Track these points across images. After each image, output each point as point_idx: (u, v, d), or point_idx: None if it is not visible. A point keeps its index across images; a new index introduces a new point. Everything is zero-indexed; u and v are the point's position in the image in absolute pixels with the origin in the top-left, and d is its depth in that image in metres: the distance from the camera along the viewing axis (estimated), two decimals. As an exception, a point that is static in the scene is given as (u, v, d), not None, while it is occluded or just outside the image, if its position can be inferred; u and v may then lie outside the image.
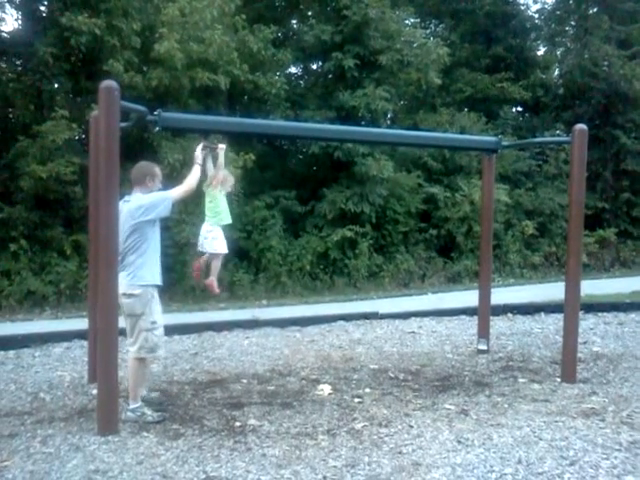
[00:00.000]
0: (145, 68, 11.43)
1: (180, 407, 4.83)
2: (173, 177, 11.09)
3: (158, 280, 4.60)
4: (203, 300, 11.30)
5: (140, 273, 4.43)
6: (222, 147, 5.41)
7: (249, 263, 12.57)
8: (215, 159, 5.41)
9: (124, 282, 4.37)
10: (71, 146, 10.80)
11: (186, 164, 11.13)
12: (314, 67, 16.10)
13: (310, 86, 15.39)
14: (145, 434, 4.21)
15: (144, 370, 4.71)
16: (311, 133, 6.41)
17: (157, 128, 4.90)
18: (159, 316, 4.56)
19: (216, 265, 5.46)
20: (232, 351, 6.88)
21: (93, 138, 5.23)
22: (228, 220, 5.45)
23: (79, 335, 7.01)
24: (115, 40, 10.58)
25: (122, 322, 4.44)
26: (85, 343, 6.05)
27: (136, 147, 11.18)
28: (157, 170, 4.76)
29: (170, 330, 7.58)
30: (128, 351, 4.64)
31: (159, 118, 4.78)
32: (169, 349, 6.93)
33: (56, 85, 11.28)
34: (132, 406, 4.51)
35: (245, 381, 5.63)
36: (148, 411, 4.50)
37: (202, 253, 5.48)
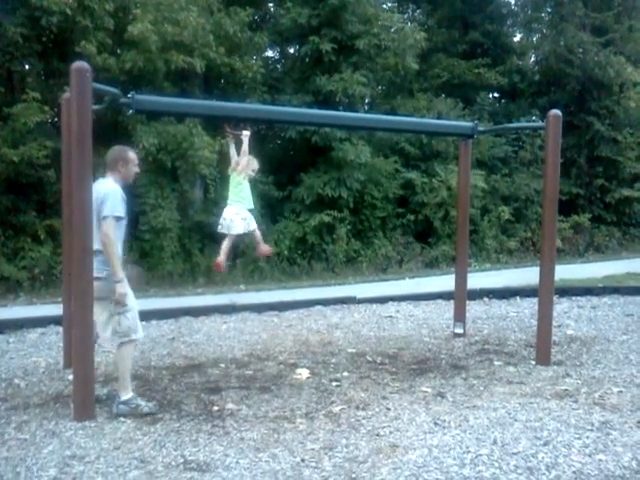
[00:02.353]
0: (119, 50, 11.24)
1: (158, 392, 4.80)
2: (148, 161, 11.04)
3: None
4: (180, 285, 11.26)
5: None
6: (247, 133, 5.49)
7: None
8: (240, 145, 5.49)
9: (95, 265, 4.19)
10: (43, 129, 10.61)
11: (162, 148, 11.05)
12: (291, 51, 15.99)
13: (287, 70, 15.29)
14: (122, 419, 4.18)
15: (130, 358, 4.45)
16: (288, 117, 6.35)
17: (131, 111, 4.82)
18: (131, 299, 4.34)
19: (258, 234, 5.75)
20: (210, 336, 6.85)
21: (65, 121, 5.13)
22: (251, 205, 5.62)
23: (54, 321, 6.91)
24: (87, 21, 10.37)
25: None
26: (60, 329, 5.98)
27: (110, 131, 11.02)
28: (131, 155, 4.54)
29: (147, 315, 7.54)
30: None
31: (133, 101, 4.69)
32: (147, 334, 6.87)
33: (27, 66, 11.06)
34: (124, 398, 4.28)
35: (223, 366, 5.62)
36: (142, 402, 4.31)
37: (224, 235, 5.64)
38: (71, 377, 4.60)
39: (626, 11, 17.97)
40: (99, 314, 4.29)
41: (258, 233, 5.82)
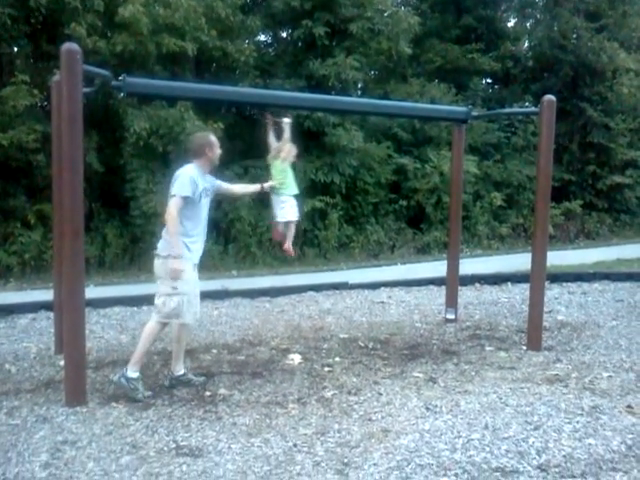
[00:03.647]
0: (109, 33, 11.09)
1: (150, 377, 4.79)
2: (139, 146, 10.94)
3: (188, 251, 4.38)
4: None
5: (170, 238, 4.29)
6: (287, 121, 5.53)
7: (218, 233, 12.46)
8: (281, 132, 5.53)
9: (160, 243, 4.38)
10: (33, 113, 10.48)
11: (153, 133, 10.95)
12: (284, 35, 15.82)
13: (280, 54, 15.13)
14: (114, 404, 4.18)
15: (155, 338, 4.51)
16: (281, 101, 6.29)
17: (122, 94, 4.77)
18: (186, 284, 4.33)
19: (292, 231, 5.69)
20: (202, 322, 6.82)
21: (55, 104, 5.06)
22: (295, 190, 5.63)
23: (45, 306, 6.89)
24: (77, 2, 10.20)
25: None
26: (51, 314, 5.95)
27: (101, 114, 10.93)
28: (214, 138, 4.67)
29: (139, 301, 7.56)
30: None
31: (124, 83, 4.64)
32: (138, 320, 6.87)
33: (15, 48, 10.91)
34: (129, 374, 4.31)
35: (215, 351, 5.62)
36: (141, 387, 4.34)
37: (277, 222, 5.67)
38: (62, 363, 4.59)
39: (620, -4, 17.91)
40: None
41: (293, 229, 5.78)
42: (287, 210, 5.56)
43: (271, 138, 5.57)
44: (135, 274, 10.68)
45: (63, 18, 10.40)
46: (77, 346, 4.15)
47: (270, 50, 15.94)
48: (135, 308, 7.43)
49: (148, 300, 7.48)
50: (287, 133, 5.52)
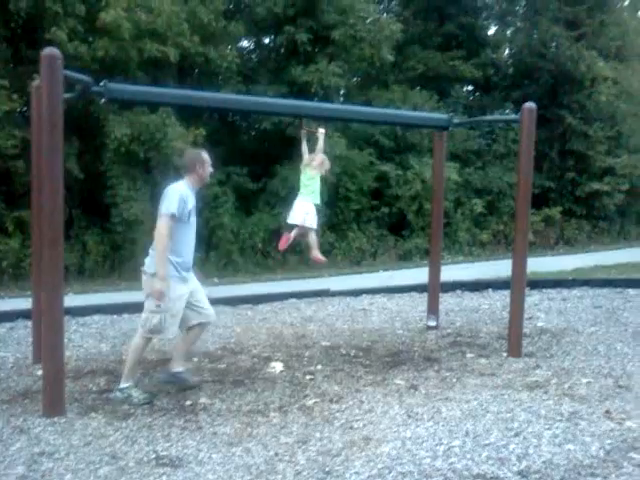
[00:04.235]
0: (90, 38, 11.01)
1: (129, 386, 4.74)
2: (120, 152, 10.86)
3: (174, 270, 4.37)
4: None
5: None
6: (322, 131, 5.85)
7: (199, 241, 12.35)
8: (315, 142, 5.82)
9: (148, 260, 4.40)
10: (12, 118, 10.35)
11: (134, 139, 10.88)
12: (266, 41, 15.84)
13: (262, 60, 15.15)
14: (93, 415, 4.12)
15: (142, 352, 4.52)
16: (263, 107, 6.28)
17: (103, 100, 4.73)
18: (170, 302, 4.31)
19: (314, 239, 5.88)
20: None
21: (35, 110, 5.02)
22: (318, 200, 5.86)
23: (23, 315, 6.79)
24: (58, 7, 10.12)
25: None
26: (29, 323, 5.87)
27: (81, 120, 10.83)
28: (205, 155, 4.66)
29: (119, 309, 7.50)
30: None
31: (105, 89, 4.60)
32: (118, 328, 6.81)
33: (-6, 53, 10.77)
34: (122, 385, 4.41)
35: (196, 359, 5.58)
36: (135, 393, 4.39)
37: (291, 226, 5.83)
38: (40, 372, 4.53)
39: (598, 6, 18.16)
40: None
41: (314, 237, 5.93)
42: (311, 217, 5.79)
43: (304, 147, 5.83)
44: (115, 282, 10.58)
45: (43, 22, 10.30)
46: (55, 355, 4.10)
47: (253, 56, 15.95)
48: (115, 316, 7.36)
49: (128, 308, 7.47)
50: (321, 143, 5.80)
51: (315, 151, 5.85)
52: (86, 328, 6.81)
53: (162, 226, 4.25)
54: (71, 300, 6.47)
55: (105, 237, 11.46)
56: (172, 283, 4.32)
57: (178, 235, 4.37)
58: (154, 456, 3.51)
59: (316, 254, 5.92)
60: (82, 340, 6.29)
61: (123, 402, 4.34)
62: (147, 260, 4.41)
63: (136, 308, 7.50)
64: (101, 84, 4.62)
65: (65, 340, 4.31)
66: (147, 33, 10.99)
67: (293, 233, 5.88)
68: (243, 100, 6.47)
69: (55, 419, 4.00)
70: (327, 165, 5.86)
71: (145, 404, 4.33)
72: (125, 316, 7.32)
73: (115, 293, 9.19)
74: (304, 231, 5.83)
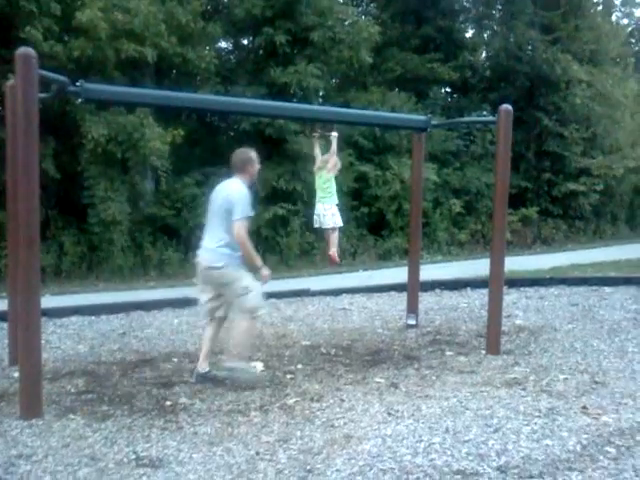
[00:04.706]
0: (66, 37, 10.90)
1: (108, 388, 4.71)
2: (97, 153, 10.76)
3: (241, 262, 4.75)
4: (131, 279, 11.06)
5: (225, 250, 4.62)
6: (335, 134, 6.02)
7: (179, 241, 12.35)
8: (329, 145, 5.99)
9: (211, 256, 4.64)
10: (-14, 118, 10.20)
11: (112, 139, 10.79)
12: (245, 42, 15.82)
13: (241, 61, 15.13)
14: (72, 416, 4.08)
15: (254, 332, 4.98)
16: (242, 108, 6.27)
17: (79, 100, 4.68)
18: (250, 281, 4.68)
19: (336, 236, 6.16)
20: (162, 330, 6.76)
21: (10, 109, 4.95)
22: (336, 200, 6.11)
23: (-1, 316, 6.69)
24: (32, 6, 10.00)
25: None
26: (5, 325, 5.78)
27: (57, 120, 10.72)
28: (255, 154, 4.90)
29: (97, 310, 7.43)
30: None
31: (81, 89, 4.55)
32: (97, 329, 6.75)
33: (-33, 52, 10.59)
34: (230, 365, 4.73)
35: (176, 360, 5.55)
36: (252, 368, 4.88)
37: (318, 230, 6.20)
38: (17, 374, 4.46)
39: (572, 11, 18.45)
40: (208, 294, 4.79)
41: (336, 236, 6.20)
42: (337, 217, 6.08)
43: (317, 150, 6.04)
44: (93, 283, 10.49)
45: (18, 21, 10.17)
46: (32, 357, 4.04)
47: (231, 57, 15.93)
48: (93, 317, 7.29)
49: (106, 309, 7.42)
50: (334, 146, 5.98)
51: (328, 153, 6.08)
52: (64, 329, 6.73)
53: (242, 229, 4.53)
54: (48, 301, 6.38)
55: (82, 238, 11.35)
56: (243, 272, 4.68)
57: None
58: (134, 457, 3.48)
59: (334, 252, 6.20)
60: (60, 341, 6.22)
61: (240, 378, 4.69)
62: (208, 256, 4.66)
63: (114, 309, 7.52)
64: (77, 84, 4.57)
65: (42, 342, 4.26)
66: (124, 33, 10.89)
67: (331, 239, 6.22)
68: (221, 101, 6.47)
69: (33, 421, 3.94)
70: (339, 166, 6.17)
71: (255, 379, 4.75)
72: (103, 317, 7.25)
73: (93, 294, 9.10)
74: (332, 230, 6.17)
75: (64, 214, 11.49)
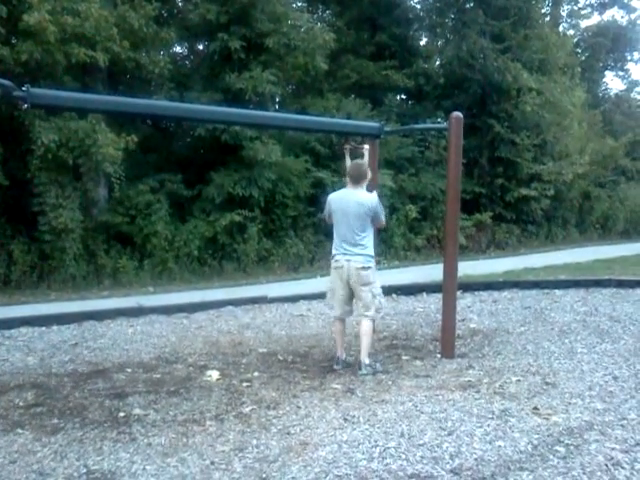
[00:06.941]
0: (14, 40, 10.61)
1: (59, 400, 4.58)
2: (48, 159, 10.50)
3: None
4: (84, 288, 10.82)
5: (370, 250, 5.35)
6: (366, 147, 6.13)
7: (133, 249, 12.15)
8: (360, 158, 6.07)
9: (362, 258, 5.29)
10: None
11: (62, 145, 10.54)
12: (200, 47, 15.71)
13: (196, 67, 15.02)
14: (19, 431, 3.96)
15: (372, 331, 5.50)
16: (197, 115, 6.21)
17: (26, 105, 4.55)
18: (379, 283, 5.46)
19: None
20: (115, 340, 6.62)
21: (-47, 114, 4.79)
22: None
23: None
24: (-25, 7, 9.72)
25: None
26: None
27: (5, 126, 10.43)
28: (366, 162, 5.74)
29: (47, 320, 7.24)
30: (362, 315, 5.43)
31: (28, 94, 4.42)
32: (47, 340, 6.57)
33: None
34: (365, 362, 5.26)
35: (129, 370, 5.44)
36: (377, 365, 5.36)
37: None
38: (-39, 388, 4.31)
39: (521, 21, 18.92)
40: (362, 298, 5.40)
41: None
42: None
43: (347, 162, 6.13)
44: (44, 292, 10.21)
45: (-39, 23, 9.88)
46: (-23, 370, 3.91)
47: (186, 62, 15.79)
48: (44, 328, 7.10)
49: (57, 319, 7.23)
50: (365, 158, 6.11)
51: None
52: (12, 341, 6.53)
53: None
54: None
55: (32, 246, 11.05)
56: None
57: (373, 234, 5.41)
58: (85, 471, 3.39)
59: None
60: (8, 354, 6.03)
61: (373, 374, 5.16)
62: (361, 258, 5.30)
63: (66, 319, 7.34)
64: (23, 89, 4.45)
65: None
66: (74, 37, 10.67)
67: None
68: (174, 107, 6.36)
69: (-22, 437, 3.81)
70: (370, 176, 6.27)
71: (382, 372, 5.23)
72: (54, 328, 7.07)
73: (44, 304, 8.86)
74: None
75: (13, 222, 11.17)
